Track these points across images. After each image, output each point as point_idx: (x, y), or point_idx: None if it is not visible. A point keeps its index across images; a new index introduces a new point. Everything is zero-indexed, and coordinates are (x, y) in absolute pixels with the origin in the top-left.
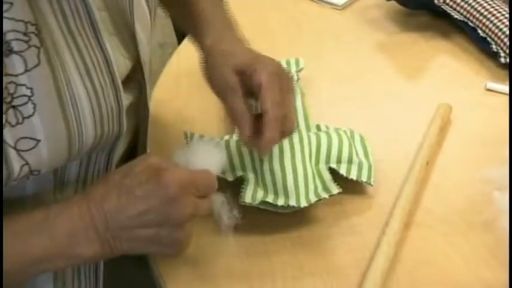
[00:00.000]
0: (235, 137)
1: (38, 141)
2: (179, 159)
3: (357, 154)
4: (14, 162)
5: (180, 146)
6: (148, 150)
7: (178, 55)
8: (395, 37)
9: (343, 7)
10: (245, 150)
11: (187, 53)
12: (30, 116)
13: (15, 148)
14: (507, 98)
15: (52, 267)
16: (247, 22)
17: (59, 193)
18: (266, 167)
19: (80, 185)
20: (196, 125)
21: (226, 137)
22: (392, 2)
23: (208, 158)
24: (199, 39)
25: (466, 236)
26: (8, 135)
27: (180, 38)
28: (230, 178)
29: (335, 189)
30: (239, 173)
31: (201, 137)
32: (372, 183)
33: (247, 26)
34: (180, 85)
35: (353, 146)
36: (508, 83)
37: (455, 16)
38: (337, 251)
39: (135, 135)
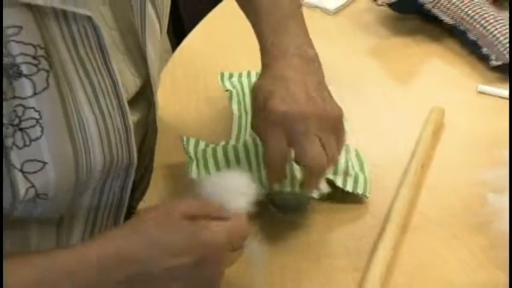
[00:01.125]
0: (231, 142)
1: (45, 163)
2: (208, 189)
3: (352, 167)
4: (20, 184)
5: (209, 176)
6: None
7: (174, 62)
8: (387, 41)
9: (335, 12)
10: (243, 157)
11: (183, 60)
12: (37, 138)
13: (21, 170)
14: (498, 100)
15: None
16: (240, 27)
17: (72, 219)
18: (264, 175)
19: (90, 216)
20: (192, 130)
21: (223, 143)
22: (383, 6)
23: (241, 195)
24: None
25: (461, 238)
26: (15, 157)
27: (174, 45)
28: None
29: (326, 189)
30: None
31: (197, 142)
32: (368, 195)
33: (240, 31)
34: (176, 91)
35: (349, 160)
36: (499, 85)
37: (446, 20)
38: (335, 255)
39: (139, 149)
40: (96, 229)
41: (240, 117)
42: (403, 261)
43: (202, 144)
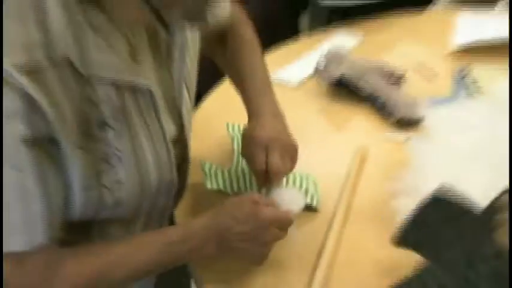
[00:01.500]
0: (233, 168)
1: (122, 183)
2: (272, 196)
3: (310, 189)
4: (107, 197)
5: (274, 189)
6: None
7: (195, 119)
8: (330, 106)
9: (297, 86)
10: (240, 177)
11: (201, 118)
12: (118, 167)
13: (109, 188)
14: (398, 142)
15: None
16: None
17: (136, 218)
18: (254, 187)
19: (147, 216)
20: (208, 161)
21: (227, 168)
22: (327, 83)
23: (294, 201)
24: (246, 106)
25: (378, 227)
26: (105, 180)
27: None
28: (230, 192)
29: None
30: (236, 191)
31: (211, 164)
32: (318, 209)
33: (214, 98)
34: (197, 137)
35: (309, 183)
36: (398, 133)
37: (365, 90)
38: (293, 243)
39: (177, 172)
40: (151, 226)
41: (238, 152)
42: (344, 245)
43: (214, 167)
